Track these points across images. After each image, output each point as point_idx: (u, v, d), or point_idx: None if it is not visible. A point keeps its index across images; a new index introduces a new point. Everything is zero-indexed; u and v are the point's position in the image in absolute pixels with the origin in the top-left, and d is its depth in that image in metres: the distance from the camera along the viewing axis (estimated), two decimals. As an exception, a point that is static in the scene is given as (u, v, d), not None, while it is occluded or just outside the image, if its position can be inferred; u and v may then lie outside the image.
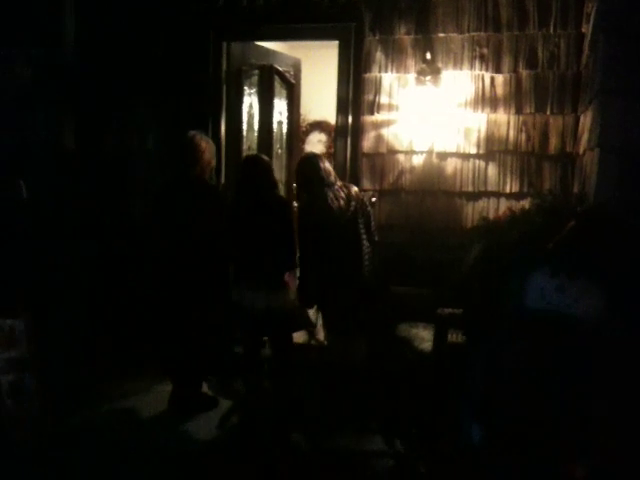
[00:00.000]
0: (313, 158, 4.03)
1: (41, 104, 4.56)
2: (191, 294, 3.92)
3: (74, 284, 4.52)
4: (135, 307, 4.64)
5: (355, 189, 3.97)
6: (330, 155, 4.91)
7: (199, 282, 3.90)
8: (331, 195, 3.82)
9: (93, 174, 4.79)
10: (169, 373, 4.17)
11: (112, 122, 4.92)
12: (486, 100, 4.34)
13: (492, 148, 4.35)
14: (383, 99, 4.51)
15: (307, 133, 7.64)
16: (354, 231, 3.85)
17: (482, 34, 4.32)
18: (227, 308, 3.99)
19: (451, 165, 4.43)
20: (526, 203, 4.04)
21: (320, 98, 6.48)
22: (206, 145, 3.99)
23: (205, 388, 4.30)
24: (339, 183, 3.93)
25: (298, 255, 3.92)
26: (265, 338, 4.14)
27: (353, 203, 3.84)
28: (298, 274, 4.01)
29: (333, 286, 3.85)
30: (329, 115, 6.33)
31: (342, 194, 3.85)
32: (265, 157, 4.11)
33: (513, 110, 4.30)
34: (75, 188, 4.62)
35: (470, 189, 4.41)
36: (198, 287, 3.90)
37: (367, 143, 4.55)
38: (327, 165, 3.95)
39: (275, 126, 5.38)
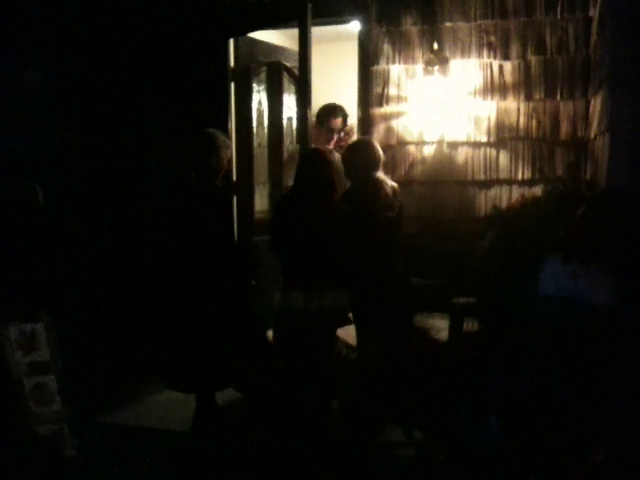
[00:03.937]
0: (359, 143, 3.95)
1: (52, 107, 4.60)
2: (191, 295, 3.82)
3: (74, 284, 4.53)
4: (135, 307, 4.65)
5: (397, 188, 3.81)
6: (341, 148, 4.93)
7: (200, 283, 3.79)
8: (375, 186, 3.66)
9: (101, 174, 4.79)
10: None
11: (120, 120, 4.90)
12: (495, 88, 4.33)
13: (503, 136, 4.34)
14: (392, 91, 4.51)
15: (317, 127, 7.63)
16: (395, 232, 3.76)
17: (489, 22, 4.31)
18: (239, 311, 3.94)
19: (462, 154, 4.42)
20: (538, 190, 4.03)
21: (330, 92, 6.48)
22: (222, 143, 3.92)
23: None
24: (389, 179, 3.81)
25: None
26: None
27: (397, 203, 3.73)
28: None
29: (370, 285, 3.72)
30: (339, 109, 6.31)
31: (389, 188, 3.70)
32: (328, 153, 3.91)
33: (523, 97, 4.29)
34: (79, 189, 4.64)
35: (482, 178, 4.40)
36: (199, 288, 3.80)
37: (377, 135, 4.55)
38: (376, 152, 3.75)
39: (285, 122, 5.40)
